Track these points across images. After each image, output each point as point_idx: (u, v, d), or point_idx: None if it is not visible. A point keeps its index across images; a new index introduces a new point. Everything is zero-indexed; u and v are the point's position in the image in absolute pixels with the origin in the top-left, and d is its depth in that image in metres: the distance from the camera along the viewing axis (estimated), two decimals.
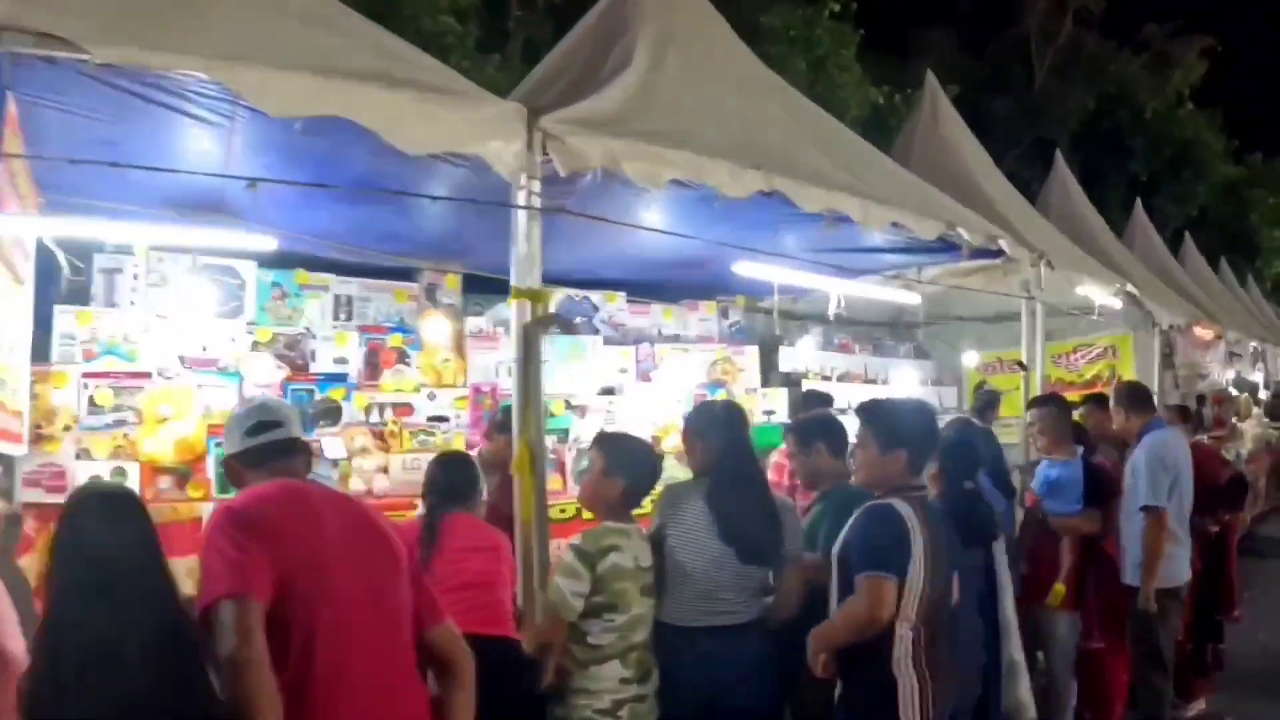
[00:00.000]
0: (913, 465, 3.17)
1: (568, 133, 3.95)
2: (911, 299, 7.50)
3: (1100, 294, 8.33)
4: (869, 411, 3.53)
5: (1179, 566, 5.02)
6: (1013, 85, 23.79)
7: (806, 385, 9.17)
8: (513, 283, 3.98)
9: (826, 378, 9.50)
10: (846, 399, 9.45)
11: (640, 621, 3.41)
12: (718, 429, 3.63)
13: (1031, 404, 5.81)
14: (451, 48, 11.35)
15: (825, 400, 6.69)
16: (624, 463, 3.57)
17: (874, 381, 9.94)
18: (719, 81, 5.29)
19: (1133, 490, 4.91)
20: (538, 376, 3.91)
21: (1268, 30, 33.97)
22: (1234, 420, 14.39)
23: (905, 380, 9.84)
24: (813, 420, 4.33)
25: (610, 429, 6.20)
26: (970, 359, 10.55)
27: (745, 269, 5.82)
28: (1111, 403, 5.70)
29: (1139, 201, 16.22)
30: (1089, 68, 22.70)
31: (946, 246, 6.23)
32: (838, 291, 6.63)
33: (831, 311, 6.89)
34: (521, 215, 3.90)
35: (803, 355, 9.46)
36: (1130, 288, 8.88)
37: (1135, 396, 5.28)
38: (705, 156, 4.38)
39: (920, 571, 3.00)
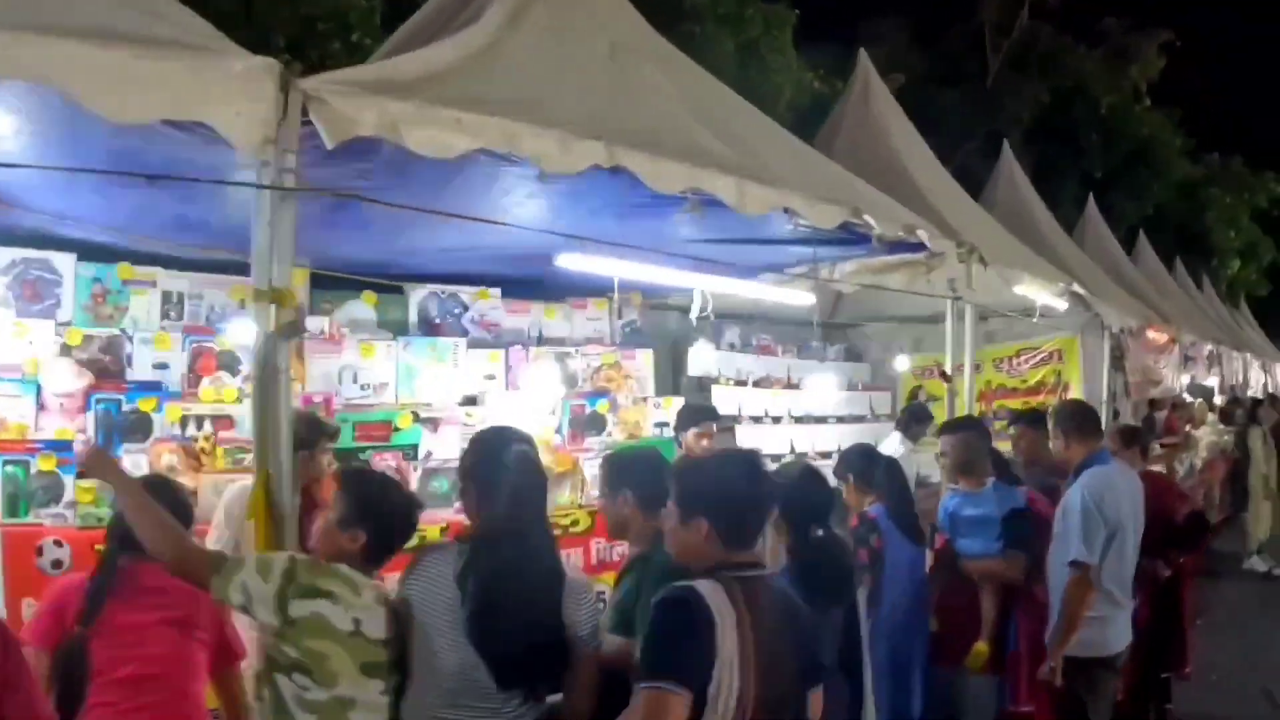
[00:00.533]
0: (724, 538, 2.24)
1: (335, 94, 3.02)
2: (804, 299, 6.56)
3: (1043, 294, 7.51)
4: (676, 469, 2.63)
5: (1114, 632, 4.08)
6: (966, 78, 23.06)
7: (718, 390, 8.31)
8: (252, 280, 3.04)
9: (741, 382, 8.61)
10: (764, 407, 8.62)
11: (351, 709, 2.47)
12: (490, 470, 2.67)
13: (944, 429, 4.88)
14: (356, 25, 10.33)
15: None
16: (367, 512, 2.63)
17: (796, 386, 9.05)
18: (587, 45, 4.40)
19: (1063, 537, 4.01)
20: (283, 395, 2.95)
21: (1226, 28, 33.66)
22: (1188, 428, 13.72)
23: (821, 386, 8.97)
24: (625, 458, 3.36)
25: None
26: (901, 363, 9.69)
27: (574, 262, 4.84)
28: (1050, 425, 4.76)
29: (1091, 197, 15.53)
30: (1044, 61, 22.00)
31: (860, 239, 5.37)
32: (704, 288, 5.76)
33: (695, 313, 6.06)
34: (265, 196, 2.95)
35: (716, 359, 8.55)
36: (1076, 287, 8.07)
37: (1078, 420, 4.33)
38: (530, 124, 3.46)
39: (731, 677, 2.09)
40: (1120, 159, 22.94)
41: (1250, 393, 18.47)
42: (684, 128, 4.31)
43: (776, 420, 8.66)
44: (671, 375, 8.46)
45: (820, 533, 3.22)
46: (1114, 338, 9.48)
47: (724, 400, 8.21)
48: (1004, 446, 5.82)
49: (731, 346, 8.99)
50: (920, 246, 5.44)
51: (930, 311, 10.42)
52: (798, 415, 8.90)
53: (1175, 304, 15.91)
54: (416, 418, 5.60)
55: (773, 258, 5.82)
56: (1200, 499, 12.52)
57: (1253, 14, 33.55)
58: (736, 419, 8.10)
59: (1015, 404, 9.97)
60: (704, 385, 8.21)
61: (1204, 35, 31.12)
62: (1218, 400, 16.38)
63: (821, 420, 9.10)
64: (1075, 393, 9.59)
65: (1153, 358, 11.05)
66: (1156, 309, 12.83)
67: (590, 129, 3.68)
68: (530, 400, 6.02)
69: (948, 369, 6.49)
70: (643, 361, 6.82)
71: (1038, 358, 9.86)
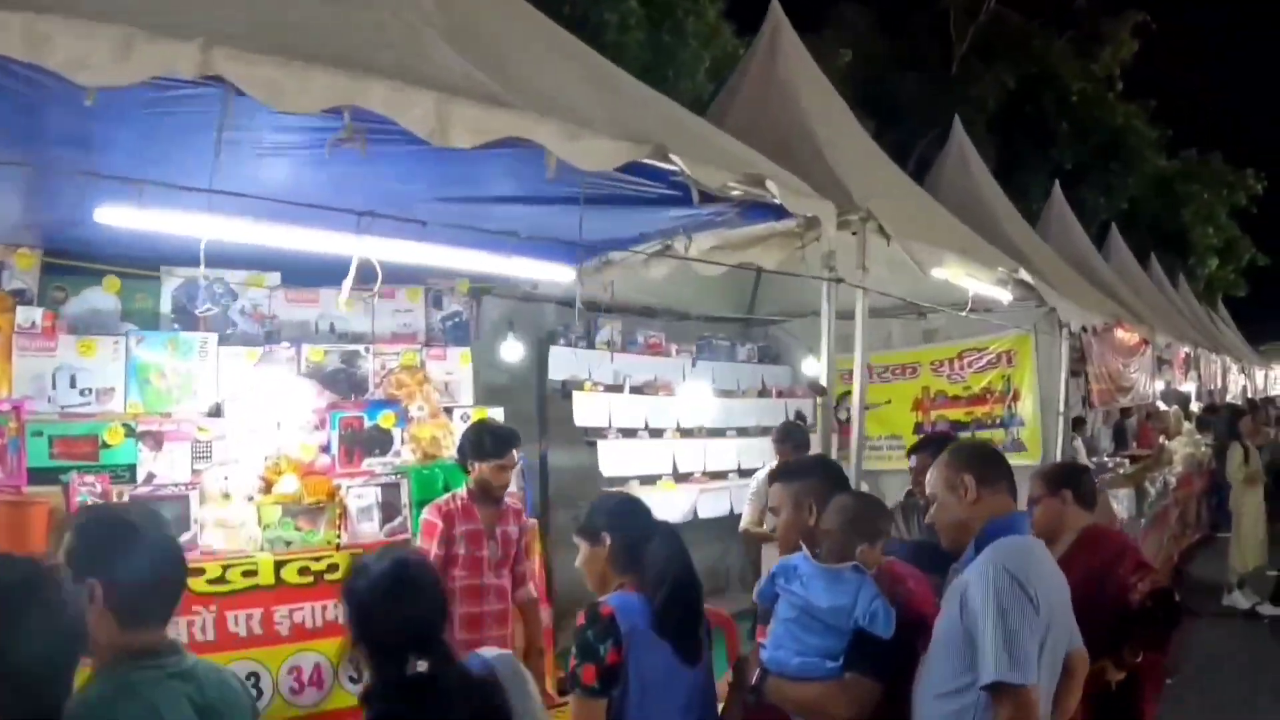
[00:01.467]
0: None
1: None
2: (564, 276, 4.90)
3: (978, 282, 6.05)
4: None
5: None
6: (930, 65, 21.69)
7: (579, 398, 6.86)
8: None
9: (616, 387, 7.14)
10: (643, 416, 7.18)
11: None
12: None
13: (778, 475, 3.30)
14: None
15: (505, 439, 4.29)
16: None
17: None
18: None
19: (953, 642, 2.48)
20: None
21: (1205, 21, 32.54)
22: (1161, 440, 12.32)
23: (697, 392, 7.53)
24: None
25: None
26: (810, 366, 8.26)
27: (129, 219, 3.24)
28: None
29: (1057, 185, 14.14)
30: (1011, 45, 20.63)
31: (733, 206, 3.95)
32: (468, 264, 4.30)
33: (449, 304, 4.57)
34: None
35: (587, 360, 7.08)
36: (1024, 275, 6.61)
37: (978, 465, 2.77)
38: (244, 51, 2.07)
39: None
40: (1092, 150, 21.63)
41: (1229, 398, 17.13)
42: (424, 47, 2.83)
43: (657, 434, 7.17)
44: (538, 380, 7.03)
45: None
46: (1074, 338, 8.04)
47: (587, 409, 6.79)
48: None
49: (609, 345, 7.46)
50: (784, 212, 3.97)
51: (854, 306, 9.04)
52: (688, 428, 7.41)
53: (1149, 303, 14.56)
54: (130, 431, 4.37)
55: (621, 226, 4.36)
56: (1174, 520, 11.15)
57: (1232, 5, 32.44)
58: (601, 432, 6.69)
59: (958, 414, 8.55)
60: (567, 391, 6.76)
61: (1182, 28, 29.99)
62: (1194, 407, 15.02)
63: (719, 433, 7.62)
64: (1027, 402, 8.17)
65: (1122, 361, 9.61)
66: (1128, 307, 11.43)
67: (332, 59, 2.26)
68: (286, 411, 4.56)
69: (856, 370, 5.02)
70: (456, 363, 5.35)
71: (984, 360, 8.41)
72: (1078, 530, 3.67)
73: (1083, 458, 12.18)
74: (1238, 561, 9.47)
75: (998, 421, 8.26)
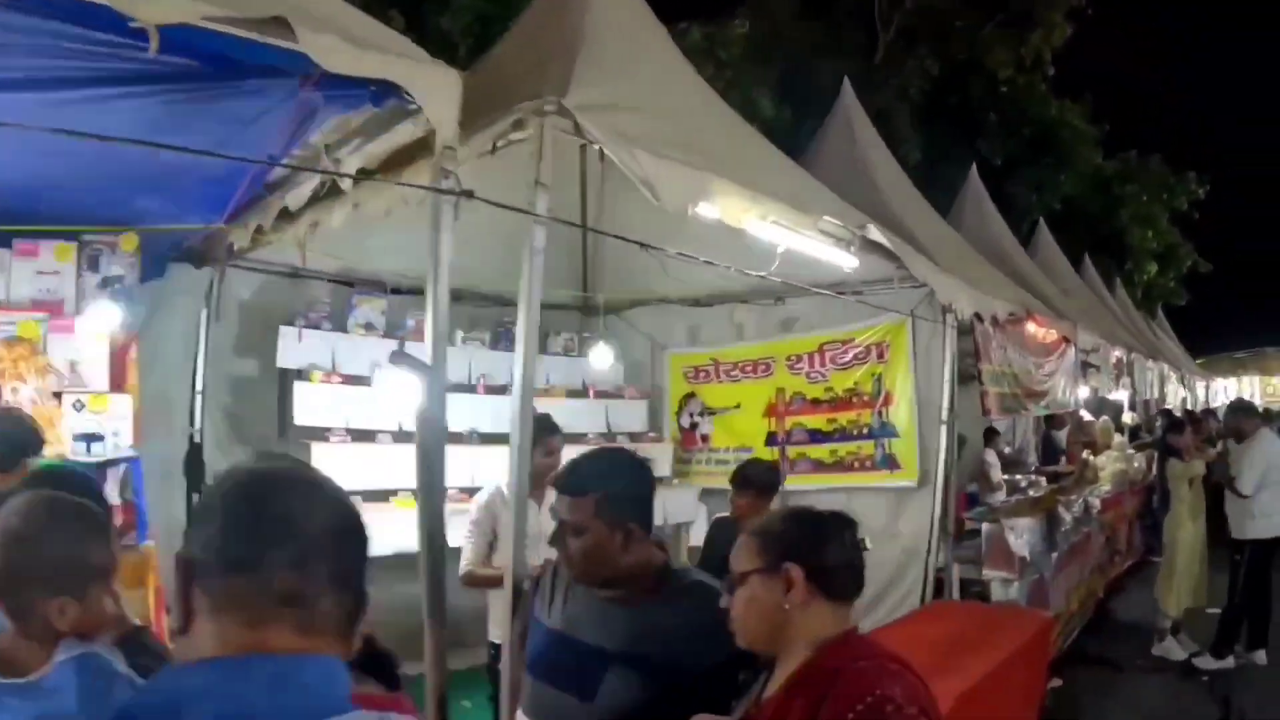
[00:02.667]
0: None
1: None
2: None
3: (797, 235, 4.32)
4: None
5: None
6: (854, 53, 20.14)
7: (302, 391, 5.17)
8: None
9: (357, 378, 5.43)
10: (396, 417, 5.48)
11: None
12: None
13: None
14: None
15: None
16: None
17: (473, 389, 5.86)
18: None
19: None
20: None
21: (1144, 19, 31.57)
22: (1087, 455, 10.70)
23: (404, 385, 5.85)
24: None
25: None
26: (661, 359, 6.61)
27: None
28: None
29: (974, 169, 12.57)
30: (937, 30, 19.15)
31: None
32: None
33: None
34: None
35: (322, 344, 5.35)
36: (875, 233, 4.90)
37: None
38: None
39: None
40: (1023, 145, 20.23)
41: (1167, 407, 15.67)
42: None
43: (403, 437, 5.47)
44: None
45: None
46: (962, 325, 6.36)
47: (310, 404, 5.12)
48: None
49: (368, 327, 5.70)
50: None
51: (711, 289, 7.32)
52: (457, 431, 5.73)
53: (1079, 301, 13.04)
54: None
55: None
56: (1100, 548, 9.52)
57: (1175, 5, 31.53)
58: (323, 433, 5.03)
59: (818, 422, 6.85)
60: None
61: (1122, 25, 28.92)
62: (1128, 418, 13.49)
63: (493, 439, 5.96)
64: (901, 407, 6.50)
65: (1034, 360, 7.95)
66: (1047, 301, 9.81)
67: None
68: None
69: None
70: (86, 340, 3.84)
71: (849, 354, 6.74)
72: (816, 644, 1.90)
73: (995, 475, 10.61)
74: (1170, 603, 7.82)
75: (865, 431, 6.59)
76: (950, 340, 6.25)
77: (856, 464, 6.80)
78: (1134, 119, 28.02)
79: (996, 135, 19.66)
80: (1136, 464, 11.94)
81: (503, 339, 7.05)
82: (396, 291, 6.36)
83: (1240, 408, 7.83)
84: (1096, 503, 8.83)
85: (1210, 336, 33.47)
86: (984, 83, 19.61)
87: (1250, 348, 34.63)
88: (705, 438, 7.72)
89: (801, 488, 6.99)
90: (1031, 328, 8.19)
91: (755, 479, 4.72)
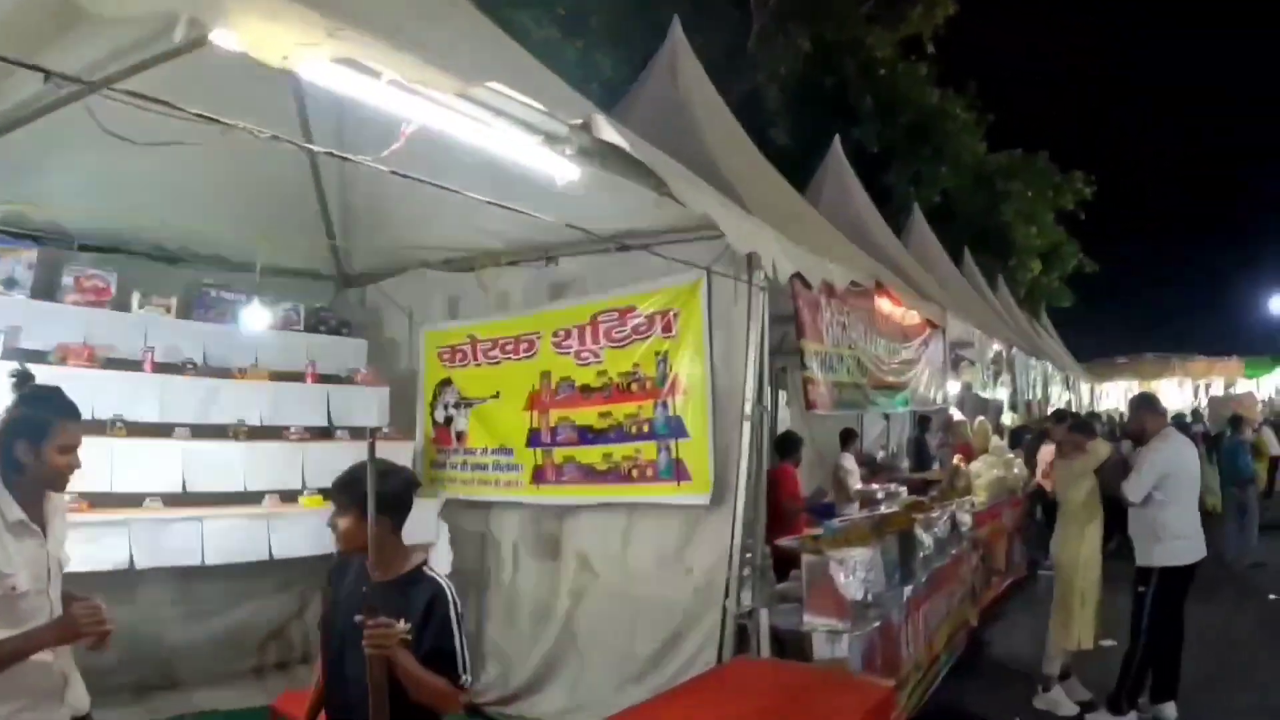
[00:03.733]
0: None
1: None
2: None
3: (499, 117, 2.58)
4: None
5: None
6: (724, 31, 18.65)
7: None
8: None
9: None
10: None
11: None
12: None
13: None
14: None
15: None
16: None
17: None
18: None
19: None
20: None
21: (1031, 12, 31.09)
22: (957, 460, 9.25)
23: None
24: None
25: None
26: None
27: None
28: None
29: (836, 139, 11.11)
30: (813, 5, 17.77)
31: None
32: None
33: None
34: None
35: None
36: (608, 131, 3.18)
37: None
38: None
39: None
40: (900, 132, 19.03)
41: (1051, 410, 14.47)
42: None
43: None
44: None
45: None
46: (773, 287, 4.72)
47: None
48: None
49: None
50: None
51: (472, 246, 5.58)
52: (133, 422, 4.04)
53: (954, 290, 11.71)
54: None
55: None
56: (975, 569, 8.04)
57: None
58: None
59: (589, 416, 5.18)
60: None
61: (1006, 22, 28.35)
62: (1008, 419, 12.18)
63: (163, 432, 4.39)
64: (692, 395, 4.81)
65: (888, 346, 6.40)
66: (909, 279, 8.34)
67: None
68: None
69: None
70: None
71: (629, 326, 5.04)
72: None
73: (852, 483, 9.08)
74: (1067, 641, 6.31)
75: (646, 429, 4.89)
76: (758, 307, 4.61)
77: (635, 472, 5.12)
78: (1020, 114, 27.40)
79: (873, 121, 18.40)
80: (1017, 470, 10.58)
81: (198, 307, 5.29)
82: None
83: (1145, 402, 6.38)
84: (967, 518, 7.32)
85: (1092, 340, 33.32)
86: (859, 63, 18.35)
87: (1130, 353, 34.58)
88: (460, 435, 5.96)
89: (567, 501, 5.32)
90: (886, 306, 6.66)
91: None
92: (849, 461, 9.46)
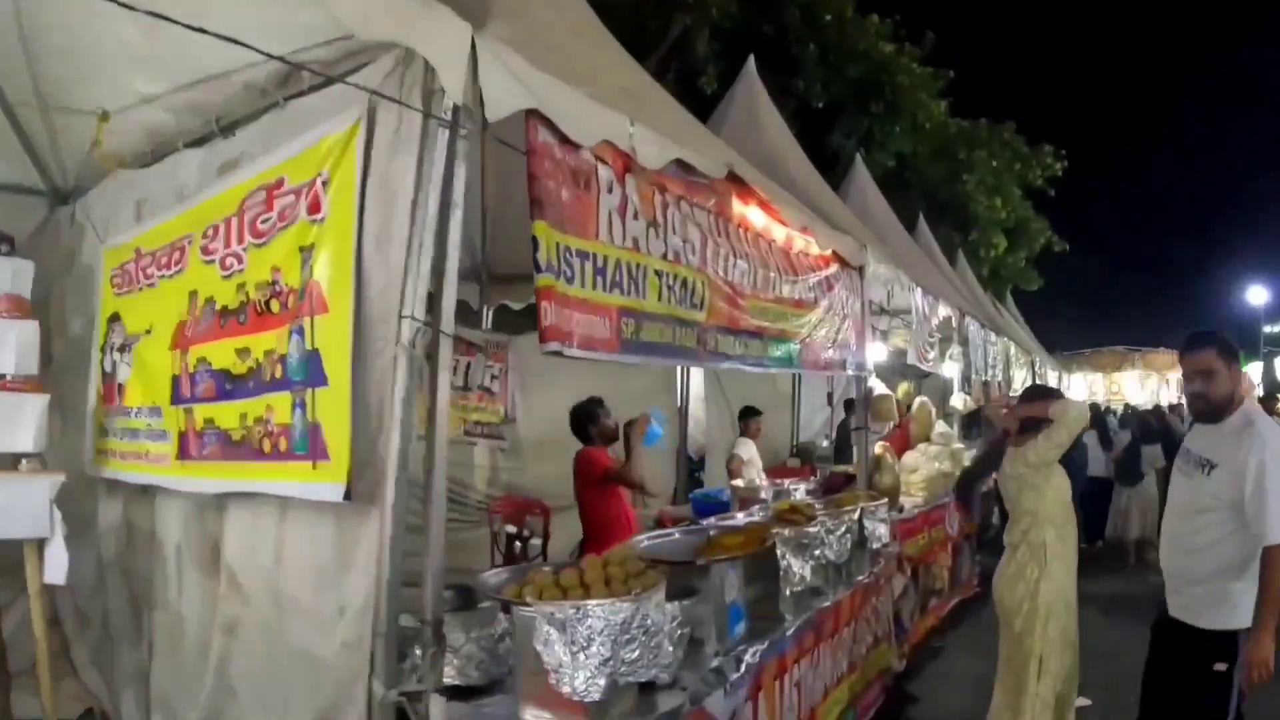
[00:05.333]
0: None
1: None
2: None
3: None
4: None
5: None
6: None
7: None
8: None
9: None
10: None
11: None
12: None
13: None
14: None
15: None
16: None
17: None
18: None
19: None
20: None
21: None
22: (882, 450, 7.09)
23: None
24: None
25: None
26: None
27: None
28: None
29: (750, 59, 8.97)
30: None
31: None
32: None
33: None
34: None
35: None
36: None
37: None
38: None
39: None
40: (848, 88, 16.91)
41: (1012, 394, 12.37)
42: None
43: None
44: None
45: None
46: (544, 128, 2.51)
47: None
48: None
49: None
50: None
51: (144, 123, 3.30)
52: None
53: (895, 246, 9.57)
54: None
55: None
56: (900, 595, 5.94)
57: None
58: None
59: (226, 358, 3.28)
60: None
61: None
62: (959, 402, 10.07)
63: None
64: (336, 312, 2.58)
65: (746, 267, 4.22)
66: (818, 208, 6.17)
67: None
68: None
69: None
70: None
71: (277, 208, 2.93)
72: None
73: (750, 474, 6.95)
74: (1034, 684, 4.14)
75: (279, 375, 2.74)
76: (438, 155, 2.47)
77: (267, 443, 2.98)
78: (986, 82, 25.47)
79: (815, 73, 16.24)
80: (967, 464, 8.47)
81: None
82: None
83: None
84: (884, 529, 5.16)
85: (1060, 330, 31.54)
86: (803, 11, 16.19)
87: (1097, 344, 33.18)
88: (122, 389, 3.92)
89: (211, 486, 3.30)
90: (756, 218, 4.49)
91: None
92: (746, 449, 7.32)
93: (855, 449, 6.64)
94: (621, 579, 2.65)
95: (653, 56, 15.24)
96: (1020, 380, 14.93)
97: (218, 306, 3.23)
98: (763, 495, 5.62)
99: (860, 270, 5.99)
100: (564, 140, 2.94)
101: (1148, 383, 30.76)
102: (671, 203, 3.63)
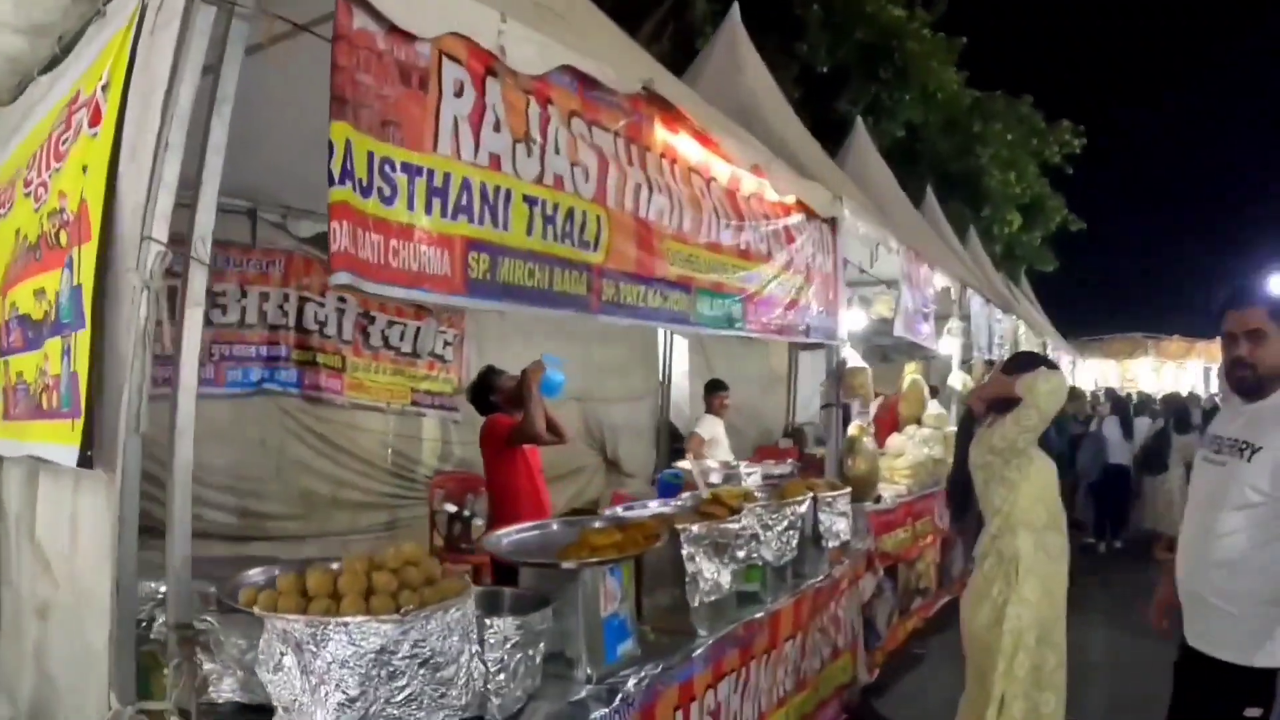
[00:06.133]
0: None
1: None
2: None
3: None
4: None
5: None
6: None
7: None
8: None
9: None
10: None
11: None
12: None
13: None
14: None
15: None
16: None
17: None
18: None
19: None
20: None
21: None
22: (856, 430, 6.31)
23: None
24: None
25: None
26: None
27: None
28: None
29: (735, 7, 8.15)
30: None
31: None
32: None
33: None
34: None
35: None
36: None
37: None
38: None
39: None
40: (856, 51, 16.01)
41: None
42: None
43: None
44: None
45: None
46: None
47: None
48: None
49: None
50: None
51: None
52: None
53: (897, 212, 8.77)
54: None
55: None
56: (862, 604, 5.19)
57: None
58: None
59: (27, 299, 2.47)
60: None
61: None
62: (957, 381, 9.27)
63: None
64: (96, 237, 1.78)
65: (674, 206, 3.46)
66: (794, 163, 5.38)
67: None
68: None
69: None
70: None
71: (73, 124, 2.31)
72: None
73: (716, 455, 6.21)
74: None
75: (54, 318, 2.18)
76: (197, 38, 1.78)
77: (45, 399, 2.40)
78: (1001, 52, 24.47)
79: (818, 35, 15.35)
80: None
81: None
82: None
83: None
84: (842, 524, 4.40)
85: (1078, 315, 30.57)
86: None
87: (1112, 330, 32.49)
88: None
89: (14, 451, 2.89)
90: (687, 149, 3.73)
91: None
92: (708, 427, 6.58)
93: (825, 429, 5.87)
94: (391, 589, 1.91)
95: (650, 19, 14.48)
96: None
97: (29, 244, 2.57)
98: (711, 479, 4.87)
99: (833, 224, 5.22)
100: (392, 29, 2.23)
101: (1161, 371, 30.16)
102: (557, 119, 2.88)
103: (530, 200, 2.72)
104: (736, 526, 3.30)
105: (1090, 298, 35.60)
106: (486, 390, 4.77)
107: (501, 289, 2.60)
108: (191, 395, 2.00)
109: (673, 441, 8.81)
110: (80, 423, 2.08)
